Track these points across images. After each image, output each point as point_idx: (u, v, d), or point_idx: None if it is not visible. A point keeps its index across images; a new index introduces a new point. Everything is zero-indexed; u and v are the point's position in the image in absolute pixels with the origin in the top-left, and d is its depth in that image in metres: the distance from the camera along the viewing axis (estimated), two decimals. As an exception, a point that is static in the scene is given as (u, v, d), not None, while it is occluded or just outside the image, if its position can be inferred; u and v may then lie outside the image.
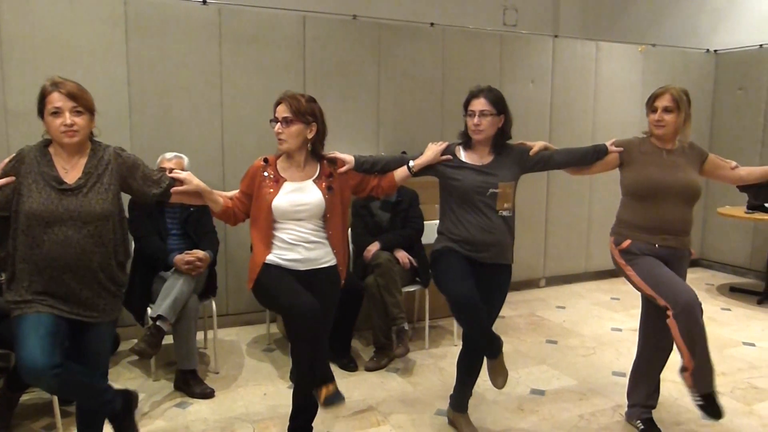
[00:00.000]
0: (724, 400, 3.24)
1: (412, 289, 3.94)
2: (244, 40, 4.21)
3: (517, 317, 4.68)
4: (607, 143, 2.81)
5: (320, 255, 2.48)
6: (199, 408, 3.13)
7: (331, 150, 2.60)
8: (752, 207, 4.96)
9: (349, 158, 2.58)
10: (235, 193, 2.54)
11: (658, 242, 2.69)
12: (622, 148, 2.78)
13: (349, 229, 3.98)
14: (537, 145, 2.69)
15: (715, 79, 6.11)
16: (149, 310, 3.27)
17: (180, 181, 2.37)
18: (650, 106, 2.74)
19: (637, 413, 2.93)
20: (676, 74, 5.89)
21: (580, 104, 5.52)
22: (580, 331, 4.39)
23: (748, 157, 5.75)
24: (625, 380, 3.12)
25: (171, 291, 3.17)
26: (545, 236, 5.51)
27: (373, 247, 3.75)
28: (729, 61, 6.00)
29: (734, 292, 5.38)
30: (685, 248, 2.74)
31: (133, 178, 2.25)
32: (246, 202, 2.51)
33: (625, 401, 3.03)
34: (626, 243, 2.74)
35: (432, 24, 4.88)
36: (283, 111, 2.40)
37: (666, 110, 2.66)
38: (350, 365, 3.62)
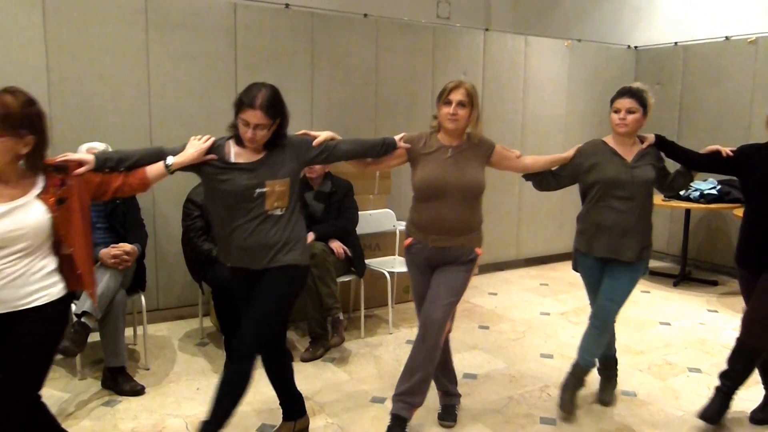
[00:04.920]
0: (643, 377, 3.45)
1: (347, 279, 3.96)
2: (172, 27, 4.08)
3: (451, 304, 4.79)
4: (397, 137, 2.70)
5: (25, 293, 1.90)
6: (128, 405, 3.04)
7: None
8: (669, 195, 5.25)
9: (87, 158, 2.15)
10: None
11: (430, 242, 2.66)
12: (410, 145, 2.69)
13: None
14: (322, 136, 2.54)
15: (636, 73, 6.41)
16: (73, 306, 3.14)
17: None
18: (444, 98, 2.61)
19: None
20: (599, 68, 6.17)
21: (510, 96, 5.68)
22: (511, 316, 4.54)
23: (665, 148, 6.09)
24: (553, 362, 3.26)
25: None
26: (478, 225, 5.65)
27: (308, 238, 3.73)
28: (648, 56, 6.33)
29: (653, 275, 5.70)
30: (463, 248, 2.68)
31: None
32: None
33: (554, 382, 3.17)
34: (408, 240, 2.77)
35: (365, 15, 4.88)
36: None
37: (460, 104, 2.58)
38: (286, 356, 3.61)
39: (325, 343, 3.69)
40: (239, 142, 2.35)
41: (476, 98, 2.63)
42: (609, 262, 2.87)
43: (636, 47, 6.42)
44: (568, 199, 5.02)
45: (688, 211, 5.46)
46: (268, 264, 2.37)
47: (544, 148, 5.90)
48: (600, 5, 6.82)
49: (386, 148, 2.67)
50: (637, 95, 2.79)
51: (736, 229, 5.51)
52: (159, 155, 2.32)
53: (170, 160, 2.30)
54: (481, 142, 2.72)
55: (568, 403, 2.96)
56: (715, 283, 5.36)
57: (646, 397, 3.21)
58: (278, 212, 2.36)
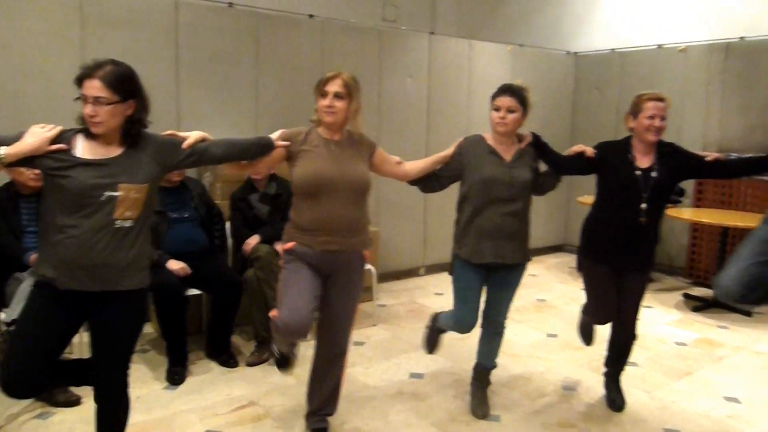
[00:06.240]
0: (582, 373, 3.56)
1: (293, 282, 3.92)
2: (110, 24, 3.95)
3: (397, 305, 4.82)
4: (274, 136, 2.49)
5: None
6: (64, 417, 2.92)
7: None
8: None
9: None
10: None
11: (319, 246, 2.45)
12: (288, 143, 2.49)
13: (228, 223, 3.89)
14: (192, 137, 2.22)
15: (575, 78, 6.65)
16: (3, 314, 3.00)
17: None
18: (320, 90, 2.48)
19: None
20: (542, 73, 6.34)
21: (455, 99, 5.77)
22: (457, 315, 4.60)
23: (603, 150, 6.32)
24: (498, 360, 3.31)
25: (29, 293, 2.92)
26: (424, 226, 5.71)
27: (253, 240, 3.69)
28: (586, 62, 6.56)
29: (592, 274, 5.90)
30: (354, 252, 2.53)
31: None
32: None
33: (498, 380, 3.23)
34: (290, 244, 2.52)
35: (311, 15, 4.86)
36: None
37: (337, 96, 2.44)
38: (230, 361, 3.55)
39: (271, 346, 3.64)
40: (90, 135, 2.03)
41: (356, 90, 2.47)
42: (493, 269, 2.80)
43: (575, 53, 6.64)
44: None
45: (624, 212, 5.67)
46: (112, 287, 2.02)
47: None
48: (542, 12, 7.02)
49: (262, 149, 2.44)
50: (517, 93, 2.73)
51: (669, 228, 5.80)
52: None
53: (2, 150, 1.94)
54: (362, 139, 2.59)
55: (478, 408, 3.04)
56: (650, 280, 5.58)
57: (585, 392, 3.32)
58: (127, 224, 2.02)
